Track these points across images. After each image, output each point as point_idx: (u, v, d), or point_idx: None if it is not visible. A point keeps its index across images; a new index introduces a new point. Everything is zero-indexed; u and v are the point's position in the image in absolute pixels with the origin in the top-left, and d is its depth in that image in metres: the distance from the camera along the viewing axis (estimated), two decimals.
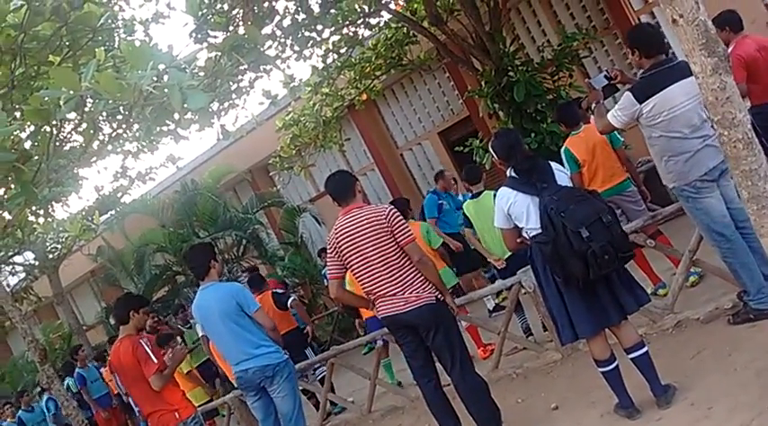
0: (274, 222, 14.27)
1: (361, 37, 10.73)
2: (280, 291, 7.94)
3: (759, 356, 3.71)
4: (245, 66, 8.74)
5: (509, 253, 5.96)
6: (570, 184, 3.93)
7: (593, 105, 4.75)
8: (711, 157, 4.09)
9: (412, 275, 4.19)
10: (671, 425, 3.48)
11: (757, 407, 3.19)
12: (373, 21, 10.51)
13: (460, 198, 8.80)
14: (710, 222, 4.17)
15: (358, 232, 4.16)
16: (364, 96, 11.65)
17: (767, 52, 5.15)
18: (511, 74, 9.23)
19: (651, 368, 3.76)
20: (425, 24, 10.06)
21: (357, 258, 4.21)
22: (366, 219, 4.16)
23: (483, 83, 9.70)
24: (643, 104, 4.18)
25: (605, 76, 4.68)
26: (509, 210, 3.83)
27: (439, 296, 4.26)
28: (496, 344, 5.72)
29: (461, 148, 10.30)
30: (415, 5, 10.48)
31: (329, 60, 10.68)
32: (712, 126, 3.73)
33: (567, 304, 3.75)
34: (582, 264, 3.53)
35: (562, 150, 5.77)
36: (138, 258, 13.41)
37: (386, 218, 4.15)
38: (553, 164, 3.97)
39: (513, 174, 3.87)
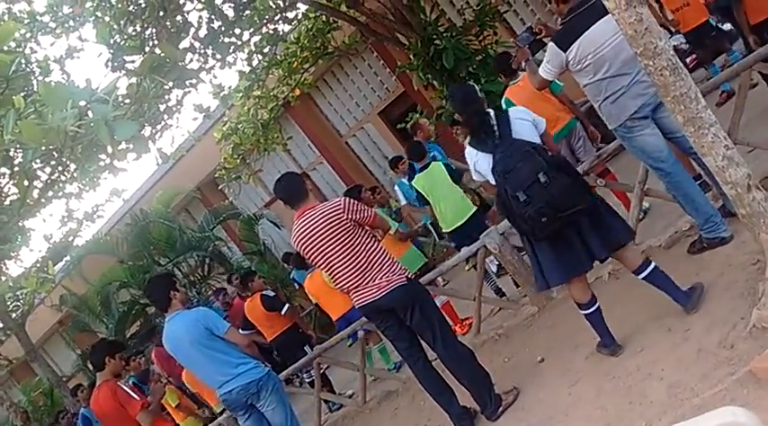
0: (234, 234, 14.10)
1: (281, 33, 10.58)
2: (270, 294, 7.83)
3: (725, 270, 3.81)
4: (170, 85, 8.64)
5: (457, 224, 6.12)
6: (536, 129, 3.87)
7: (524, 63, 4.74)
8: (640, 94, 4.07)
9: (380, 260, 4.19)
10: (653, 354, 3.55)
11: (730, 321, 3.28)
12: (291, 14, 10.40)
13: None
14: (646, 159, 4.24)
15: (316, 232, 4.12)
16: (297, 91, 11.52)
17: None
18: (437, 42, 9.24)
19: (667, 281, 3.69)
20: (343, 8, 9.97)
21: (321, 258, 4.19)
22: (322, 217, 4.12)
23: (411, 56, 9.68)
24: (567, 52, 4.18)
25: (530, 32, 4.66)
26: (476, 168, 3.91)
27: (409, 275, 4.30)
28: (474, 310, 5.76)
29: (404, 124, 10.28)
30: None
31: (254, 62, 10.51)
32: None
33: (537, 254, 3.79)
34: (525, 225, 3.62)
35: (503, 100, 5.79)
36: (102, 299, 13.11)
37: (344, 211, 4.12)
38: (515, 112, 3.97)
39: (471, 132, 3.94)
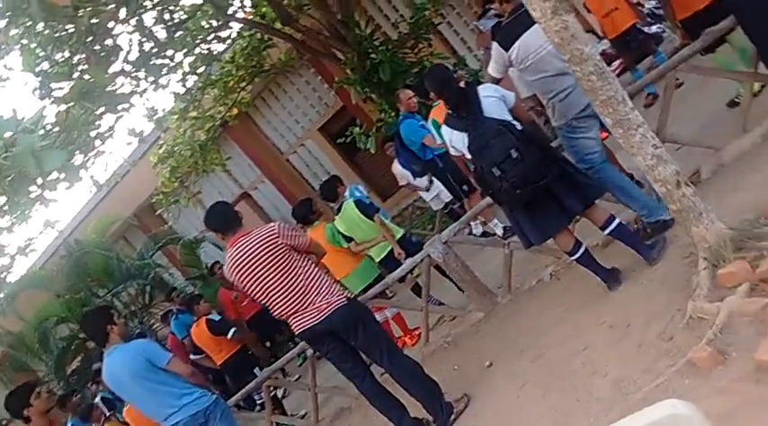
0: (175, 260, 13.76)
1: (215, 52, 10.47)
2: (215, 318, 7.63)
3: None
4: (101, 111, 8.43)
5: (383, 256, 6.21)
6: (505, 104, 4.06)
7: (482, 50, 4.73)
8: (584, 95, 4.09)
9: (318, 283, 4.13)
10: (596, 352, 3.62)
11: (668, 314, 3.37)
12: (224, 34, 10.31)
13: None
14: (577, 158, 4.34)
15: (252, 259, 4.03)
16: (235, 110, 11.41)
17: None
18: (373, 56, 9.29)
19: (630, 235, 4.07)
20: (278, 26, 9.93)
21: (258, 286, 4.09)
22: (257, 244, 4.03)
23: (348, 70, 9.71)
24: (510, 51, 4.27)
25: (495, 15, 4.63)
26: (452, 144, 4.15)
27: (348, 294, 4.27)
28: (421, 321, 5.77)
29: (344, 139, 10.29)
30: (263, 9, 10.33)
31: (189, 83, 10.37)
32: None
33: (518, 219, 4.11)
34: (503, 196, 3.94)
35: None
36: (40, 336, 12.54)
37: (279, 235, 4.05)
38: (484, 88, 4.13)
39: (448, 110, 4.12)
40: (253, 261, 4.03)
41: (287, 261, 4.06)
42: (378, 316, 6.02)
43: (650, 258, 3.95)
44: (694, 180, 4.40)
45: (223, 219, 4.20)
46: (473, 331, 5.34)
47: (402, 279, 5.81)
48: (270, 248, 4.03)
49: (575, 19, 3.37)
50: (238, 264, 4.07)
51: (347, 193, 6.65)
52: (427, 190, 7.80)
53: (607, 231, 4.05)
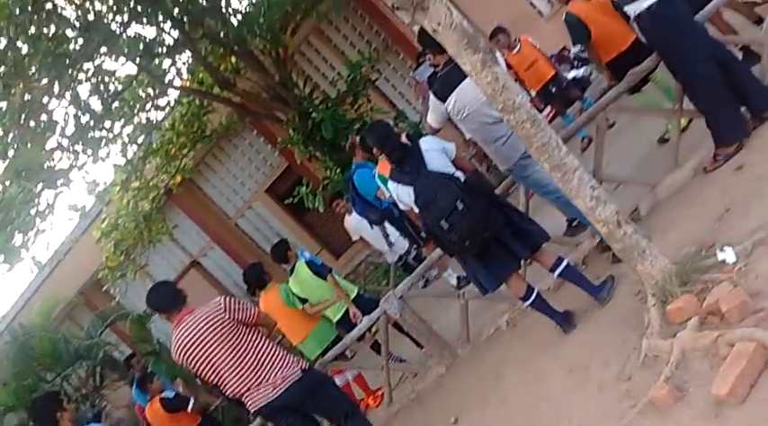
0: (125, 336, 13.28)
1: (155, 121, 10.39)
2: (170, 395, 7.28)
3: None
4: (39, 188, 8.22)
5: (339, 316, 6.14)
6: (447, 155, 4.09)
7: (421, 100, 4.80)
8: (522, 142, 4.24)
9: (270, 357, 4.01)
10: (559, 398, 3.59)
11: (624, 353, 3.38)
12: (162, 102, 10.26)
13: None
14: (540, 190, 4.44)
15: (198, 340, 3.90)
16: (179, 178, 11.28)
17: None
18: (314, 114, 9.38)
19: (579, 276, 4.12)
20: (216, 91, 9.95)
21: (208, 366, 3.95)
22: (202, 322, 3.91)
23: (291, 130, 9.76)
24: (446, 103, 4.34)
25: (431, 64, 4.70)
26: (398, 198, 4.17)
27: (304, 365, 4.15)
28: (383, 380, 5.67)
29: (292, 199, 10.24)
30: (201, 76, 10.35)
31: (130, 153, 10.23)
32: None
33: (470, 265, 4.16)
34: (454, 248, 3.99)
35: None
36: None
37: (225, 310, 3.94)
38: (425, 142, 4.15)
39: (392, 165, 4.15)
40: (199, 341, 3.89)
41: (235, 337, 3.93)
42: (338, 380, 5.91)
43: (600, 298, 4.00)
44: (634, 217, 4.51)
45: (165, 298, 4.08)
46: (436, 385, 5.26)
47: (361, 338, 5.72)
48: (216, 325, 3.90)
49: (505, 70, 3.47)
50: (185, 345, 3.92)
51: (299, 253, 6.58)
52: (390, 245, 7.77)
53: (557, 273, 4.10)
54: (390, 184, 4.21)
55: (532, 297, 4.13)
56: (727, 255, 3.25)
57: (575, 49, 8.62)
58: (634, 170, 5.55)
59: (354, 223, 7.73)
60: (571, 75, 8.47)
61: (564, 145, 3.44)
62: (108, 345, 12.33)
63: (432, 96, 4.49)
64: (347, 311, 6.03)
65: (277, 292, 6.12)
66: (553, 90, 7.50)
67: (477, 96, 4.16)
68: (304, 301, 6.06)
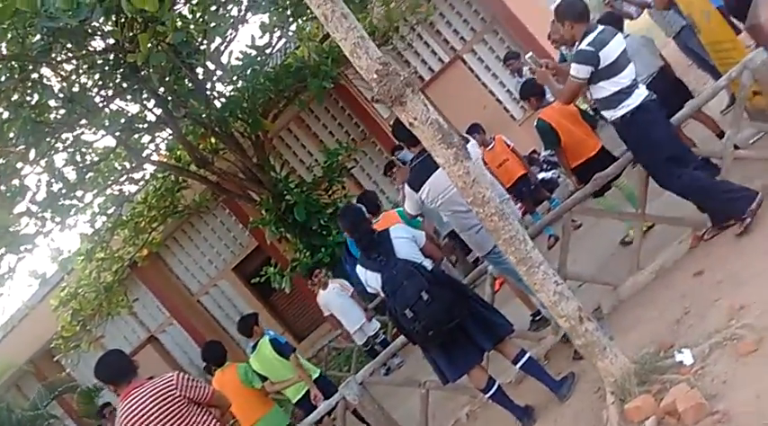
0: (71, 409, 12.71)
1: (128, 193, 10.39)
2: None
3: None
4: (2, 251, 8.06)
5: (299, 396, 6.14)
6: (416, 243, 4.18)
7: (399, 186, 4.90)
8: None
9: None
10: None
11: None
12: (137, 175, 10.29)
13: None
14: (517, 278, 4.45)
15: (144, 416, 3.72)
16: (145, 251, 11.17)
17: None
18: (288, 197, 9.50)
19: (541, 371, 4.15)
20: (193, 168, 10.05)
21: None
22: (151, 397, 3.74)
23: (264, 211, 9.84)
24: (420, 192, 4.47)
25: (405, 147, 4.86)
26: (367, 283, 4.19)
27: None
28: None
29: (259, 279, 10.19)
30: (178, 153, 10.47)
31: (98, 224, 10.14)
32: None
33: (434, 357, 4.15)
34: (417, 337, 4.01)
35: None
36: None
37: (177, 388, 3.79)
38: (395, 230, 4.22)
39: (361, 250, 4.21)
40: (145, 417, 3.70)
41: (184, 417, 3.77)
42: None
43: (561, 394, 4.03)
44: (596, 315, 4.60)
45: (115, 370, 3.89)
46: None
47: (319, 423, 5.59)
48: (165, 402, 3.73)
49: (474, 165, 3.62)
50: (129, 420, 3.72)
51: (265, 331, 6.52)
52: (369, 320, 7.77)
53: (519, 365, 4.12)
54: (359, 268, 4.27)
55: (493, 390, 4.13)
56: (685, 357, 3.33)
57: (544, 153, 9.06)
58: (597, 270, 5.69)
59: (327, 298, 7.75)
60: (540, 176, 8.79)
61: (530, 240, 3.57)
62: (53, 418, 11.81)
63: (406, 186, 4.63)
64: (308, 392, 5.93)
65: (234, 371, 6.02)
66: (523, 189, 7.76)
67: (450, 186, 4.30)
68: (264, 379, 5.95)
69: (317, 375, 6.15)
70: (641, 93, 4.30)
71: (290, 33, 8.88)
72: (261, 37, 8.90)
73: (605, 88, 4.26)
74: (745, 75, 4.57)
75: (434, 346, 4.09)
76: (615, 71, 4.19)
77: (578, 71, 4.21)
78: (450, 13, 11.61)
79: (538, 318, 5.42)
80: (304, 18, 9.28)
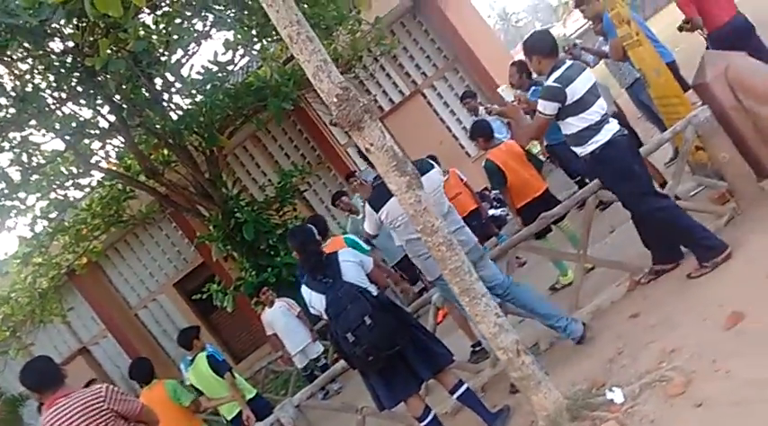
0: None
1: (72, 199, 10.11)
2: None
3: None
4: None
5: (233, 415, 6.11)
6: (363, 268, 4.17)
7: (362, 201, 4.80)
8: None
9: None
10: None
11: None
12: (84, 181, 10.03)
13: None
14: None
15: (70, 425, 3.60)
16: (84, 259, 10.86)
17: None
18: (238, 215, 9.42)
19: (477, 402, 4.17)
20: (142, 178, 9.88)
21: None
22: (77, 408, 3.63)
23: (212, 227, 9.72)
24: (379, 213, 4.47)
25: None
26: (311, 304, 4.16)
27: None
28: None
29: (200, 295, 10.02)
30: (128, 161, 10.29)
31: (38, 228, 9.82)
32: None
33: (371, 382, 4.15)
34: (356, 362, 4.00)
35: None
36: None
37: (105, 401, 3.69)
38: (343, 253, 4.22)
39: (307, 271, 4.19)
40: None
41: None
42: None
43: None
44: (534, 351, 4.68)
45: (42, 376, 3.76)
46: None
47: None
48: (91, 414, 3.62)
49: (427, 195, 3.68)
50: None
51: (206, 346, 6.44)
52: (314, 341, 7.71)
53: (456, 395, 4.16)
54: (303, 289, 4.25)
55: (428, 419, 4.15)
56: (616, 395, 3.43)
57: (494, 192, 9.25)
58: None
59: (272, 316, 7.70)
60: (491, 212, 8.96)
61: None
62: None
63: (367, 206, 4.63)
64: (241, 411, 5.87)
65: (162, 388, 5.90)
66: (474, 223, 7.89)
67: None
68: (200, 393, 5.89)
69: (251, 395, 6.08)
70: (611, 129, 4.27)
71: (254, 52, 8.88)
72: (224, 53, 8.90)
73: (573, 124, 4.26)
74: (689, 130, 4.80)
75: (373, 372, 4.09)
76: (583, 107, 4.20)
77: (545, 107, 4.23)
78: (414, 48, 11.85)
79: (478, 349, 5.49)
80: (269, 39, 9.32)
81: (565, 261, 5.81)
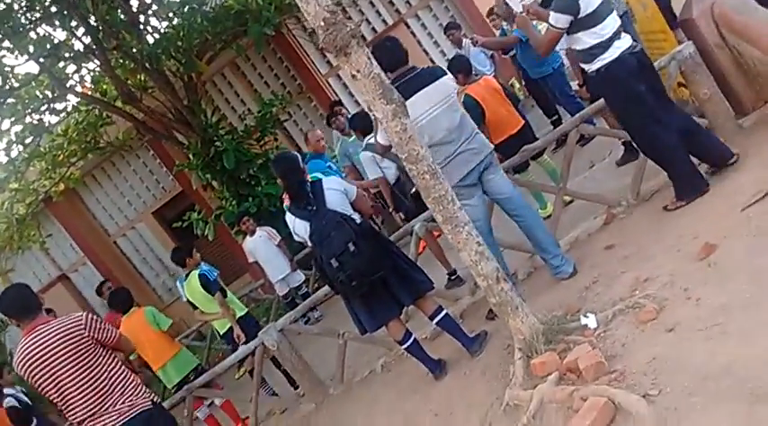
0: None
1: (48, 124, 9.92)
2: (15, 404, 6.65)
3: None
4: None
5: (225, 330, 6.30)
6: (347, 196, 4.19)
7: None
8: (465, 163, 4.17)
9: (122, 382, 3.84)
10: None
11: (488, 401, 3.58)
12: (59, 106, 9.82)
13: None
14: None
15: (49, 352, 3.66)
16: (62, 186, 10.74)
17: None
18: (218, 143, 9.32)
19: (456, 327, 4.31)
20: (119, 104, 9.69)
21: (52, 384, 3.70)
22: (57, 336, 3.68)
23: (191, 156, 9.63)
24: None
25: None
26: (294, 231, 4.21)
27: (155, 398, 4.02)
28: (251, 412, 5.58)
29: (180, 224, 10.02)
30: (105, 86, 10.06)
31: (14, 153, 9.68)
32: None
33: (354, 307, 4.24)
34: (340, 287, 4.07)
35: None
36: None
37: (85, 327, 3.75)
38: (328, 181, 4.25)
39: (291, 198, 4.21)
40: (48, 355, 3.64)
41: (90, 358, 3.74)
42: (200, 413, 5.79)
43: (473, 350, 4.21)
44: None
45: (19, 304, 3.80)
46: (304, 422, 5.25)
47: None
48: (72, 341, 3.69)
49: (412, 123, 3.68)
50: (31, 357, 3.65)
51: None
52: (294, 270, 7.89)
53: (435, 321, 4.29)
54: (288, 216, 4.29)
55: (409, 342, 4.30)
56: (590, 321, 3.56)
57: None
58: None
59: (254, 244, 7.79)
60: None
61: (458, 200, 3.69)
62: None
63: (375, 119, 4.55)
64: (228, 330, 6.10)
65: (142, 315, 6.03)
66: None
67: (422, 114, 4.11)
68: (194, 307, 6.21)
69: (242, 313, 6.29)
70: (620, 46, 4.14)
71: None
72: None
73: (583, 40, 4.14)
74: (673, 65, 4.81)
75: (356, 297, 4.18)
76: (595, 21, 4.07)
77: (557, 20, 4.10)
78: None
79: (453, 277, 5.64)
80: None
81: (544, 194, 5.89)
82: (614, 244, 4.44)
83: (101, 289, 8.96)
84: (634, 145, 5.55)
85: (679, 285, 3.41)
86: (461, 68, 5.91)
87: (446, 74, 4.33)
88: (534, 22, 5.16)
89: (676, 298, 3.32)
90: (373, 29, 11.51)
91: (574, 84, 7.15)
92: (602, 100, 4.74)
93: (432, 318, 4.30)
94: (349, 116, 7.47)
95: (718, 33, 4.69)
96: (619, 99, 4.29)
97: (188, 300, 6.30)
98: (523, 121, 5.97)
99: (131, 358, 6.03)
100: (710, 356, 2.76)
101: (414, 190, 5.80)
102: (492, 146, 4.40)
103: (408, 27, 11.59)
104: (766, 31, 4.44)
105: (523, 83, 8.36)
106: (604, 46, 4.12)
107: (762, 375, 2.48)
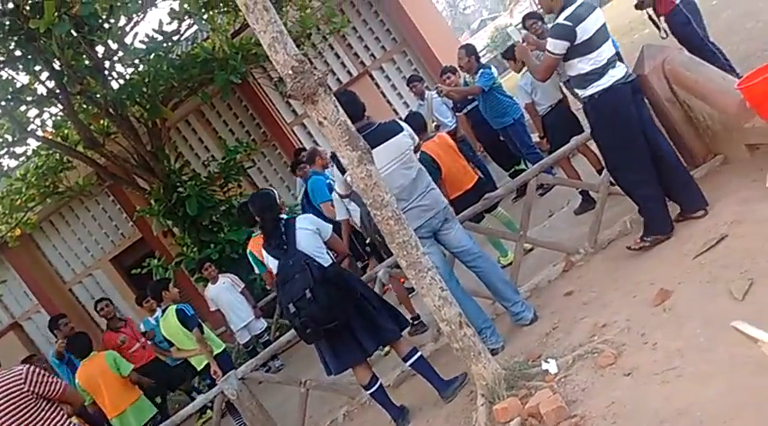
0: None
1: (6, 168, 9.74)
2: None
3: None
4: None
5: (202, 366, 6.25)
6: (320, 236, 4.24)
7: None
8: (416, 218, 4.20)
9: None
10: None
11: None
12: (19, 150, 9.67)
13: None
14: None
15: None
16: (18, 231, 10.48)
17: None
18: (180, 189, 9.26)
19: (429, 369, 4.25)
20: (81, 148, 9.59)
21: None
22: None
23: (153, 201, 9.53)
24: (345, 175, 4.41)
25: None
26: (269, 264, 4.25)
27: None
28: None
29: (139, 270, 9.84)
30: (66, 131, 9.96)
31: None
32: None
33: (320, 348, 4.25)
34: (297, 331, 4.14)
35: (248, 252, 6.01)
36: None
37: (24, 381, 3.65)
38: (302, 221, 4.27)
39: (264, 236, 4.29)
40: None
41: (29, 413, 3.63)
42: None
43: (445, 396, 4.14)
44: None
45: None
46: None
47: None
48: (11, 396, 3.60)
49: (377, 170, 3.75)
50: None
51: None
52: (258, 317, 7.76)
53: (409, 363, 4.25)
54: (263, 252, 4.33)
55: (375, 387, 4.27)
56: (551, 366, 3.61)
57: None
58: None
59: (216, 292, 7.70)
60: None
61: (421, 246, 3.74)
62: None
63: (335, 167, 4.58)
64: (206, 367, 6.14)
65: (103, 359, 5.91)
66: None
67: (384, 168, 4.15)
68: (171, 344, 6.18)
69: (220, 350, 6.25)
70: (615, 75, 4.22)
71: (202, 22, 8.70)
72: (169, 23, 8.70)
73: (578, 66, 4.22)
74: None
75: (314, 341, 4.20)
76: (591, 48, 4.15)
77: (555, 46, 4.17)
78: (363, 29, 11.85)
79: (416, 322, 5.66)
80: (217, 10, 9.17)
81: (504, 242, 5.99)
82: (573, 291, 4.53)
83: (56, 324, 8.60)
84: (590, 195, 5.72)
85: (636, 330, 3.49)
86: (416, 127, 6.05)
87: (403, 129, 4.39)
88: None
89: (634, 343, 3.39)
90: (338, 79, 11.71)
91: (534, 136, 7.37)
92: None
93: (405, 360, 4.27)
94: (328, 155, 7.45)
95: (670, 89, 4.92)
96: (607, 126, 4.34)
97: (163, 337, 6.21)
98: (478, 177, 6.10)
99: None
100: (667, 400, 2.82)
101: (369, 240, 5.86)
102: (446, 202, 4.47)
103: (373, 78, 11.83)
104: (715, 88, 4.68)
105: (478, 143, 8.51)
106: (599, 73, 4.21)
107: (716, 417, 2.54)
